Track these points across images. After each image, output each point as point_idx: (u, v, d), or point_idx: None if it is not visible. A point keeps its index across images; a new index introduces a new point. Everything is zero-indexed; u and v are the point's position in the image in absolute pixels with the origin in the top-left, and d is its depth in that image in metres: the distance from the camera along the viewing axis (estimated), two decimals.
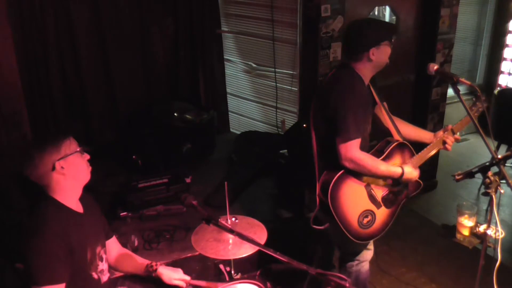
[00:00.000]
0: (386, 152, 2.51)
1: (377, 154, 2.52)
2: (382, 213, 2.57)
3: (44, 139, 2.04)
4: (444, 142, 2.60)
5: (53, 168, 1.92)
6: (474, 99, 2.56)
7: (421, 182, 2.66)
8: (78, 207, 2.05)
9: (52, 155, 1.93)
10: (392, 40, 2.47)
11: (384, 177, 2.52)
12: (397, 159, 2.57)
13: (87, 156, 2.07)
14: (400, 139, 2.59)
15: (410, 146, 2.61)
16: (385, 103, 2.65)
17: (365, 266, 2.78)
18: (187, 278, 2.29)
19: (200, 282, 2.30)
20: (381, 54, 2.44)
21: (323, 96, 2.50)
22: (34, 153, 1.94)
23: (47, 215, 1.92)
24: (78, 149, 2.01)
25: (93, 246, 2.07)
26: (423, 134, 2.72)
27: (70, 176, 1.96)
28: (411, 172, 2.51)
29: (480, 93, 2.49)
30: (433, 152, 2.61)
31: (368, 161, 2.40)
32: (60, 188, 1.97)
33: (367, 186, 2.50)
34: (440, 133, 2.64)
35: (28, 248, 1.85)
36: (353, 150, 2.34)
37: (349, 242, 2.55)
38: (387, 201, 2.57)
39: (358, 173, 2.44)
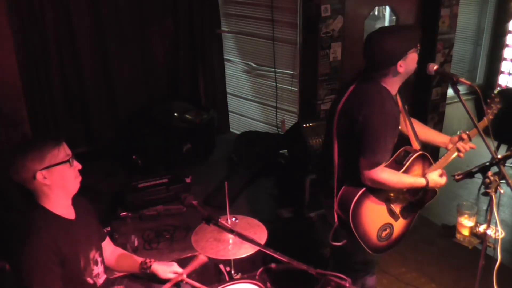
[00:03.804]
0: (406, 165, 2.43)
1: (396, 165, 2.43)
2: (400, 224, 2.53)
3: (29, 144, 1.91)
4: (458, 150, 2.53)
5: (34, 178, 1.82)
6: (489, 100, 2.50)
7: (437, 190, 2.56)
8: (69, 213, 1.97)
9: (35, 164, 1.81)
10: (418, 46, 2.32)
11: (408, 189, 2.46)
12: (417, 170, 2.49)
13: (78, 166, 1.95)
14: (418, 147, 2.50)
15: (429, 156, 2.52)
16: (406, 106, 2.55)
17: (372, 273, 2.77)
18: (181, 270, 2.27)
19: (194, 282, 2.29)
20: (409, 63, 2.30)
21: (350, 112, 2.36)
22: (17, 157, 1.83)
23: (36, 225, 1.84)
24: (65, 159, 1.88)
25: (86, 252, 2.02)
26: (438, 138, 2.66)
27: (54, 186, 1.87)
28: (437, 180, 2.44)
29: (495, 94, 2.47)
30: (450, 160, 2.55)
31: (393, 178, 2.33)
32: (46, 196, 1.88)
33: (387, 201, 2.44)
34: (455, 138, 2.58)
35: (18, 257, 1.80)
36: (377, 173, 2.27)
37: (362, 252, 2.50)
38: (404, 212, 2.52)
39: (379, 190, 2.38)
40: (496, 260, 2.30)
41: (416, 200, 2.53)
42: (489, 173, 2.18)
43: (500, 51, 5.79)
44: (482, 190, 4.47)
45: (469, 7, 5.75)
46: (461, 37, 5.65)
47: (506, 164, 3.59)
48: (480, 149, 2.55)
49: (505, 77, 5.78)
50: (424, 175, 2.44)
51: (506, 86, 5.75)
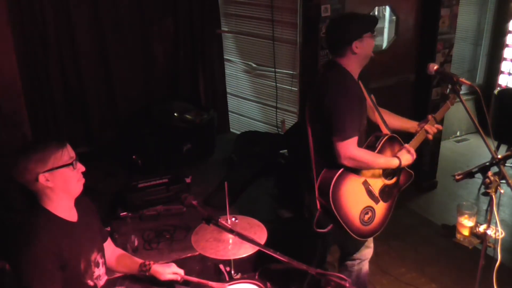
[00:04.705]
0: (378, 147, 2.56)
1: (369, 149, 2.56)
2: (380, 208, 2.62)
3: (32, 146, 1.90)
4: (427, 132, 2.69)
5: (37, 180, 1.81)
6: (449, 87, 2.53)
7: (412, 173, 2.74)
8: (71, 216, 1.97)
9: (37, 166, 1.81)
10: (374, 33, 2.50)
11: (383, 169, 2.58)
12: (388, 152, 2.62)
13: (82, 168, 1.94)
14: (389, 133, 2.64)
15: (398, 138, 2.67)
16: (372, 96, 2.70)
17: (365, 265, 2.82)
18: (181, 271, 2.27)
19: (193, 278, 2.29)
20: (365, 47, 2.46)
21: (317, 97, 2.53)
22: (20, 159, 1.83)
23: (37, 227, 1.83)
24: (68, 162, 1.87)
25: (87, 254, 2.01)
26: (407, 124, 2.82)
27: (57, 188, 1.87)
28: (407, 158, 2.58)
29: (452, 86, 2.51)
30: (420, 141, 2.70)
31: (367, 156, 2.45)
32: (48, 198, 1.88)
33: (365, 182, 2.54)
34: (423, 123, 2.74)
35: (19, 258, 1.80)
36: (351, 148, 2.38)
37: (350, 241, 2.59)
38: (384, 195, 2.62)
39: (356, 170, 2.49)
40: (496, 260, 2.30)
41: (392, 183, 2.64)
42: (489, 173, 2.18)
43: (500, 51, 5.79)
44: (482, 190, 4.47)
45: (469, 7, 5.75)
46: (461, 37, 5.65)
47: (506, 164, 3.59)
48: (480, 149, 2.56)
49: (505, 77, 5.78)
50: (397, 155, 2.56)
51: (506, 86, 5.74)
